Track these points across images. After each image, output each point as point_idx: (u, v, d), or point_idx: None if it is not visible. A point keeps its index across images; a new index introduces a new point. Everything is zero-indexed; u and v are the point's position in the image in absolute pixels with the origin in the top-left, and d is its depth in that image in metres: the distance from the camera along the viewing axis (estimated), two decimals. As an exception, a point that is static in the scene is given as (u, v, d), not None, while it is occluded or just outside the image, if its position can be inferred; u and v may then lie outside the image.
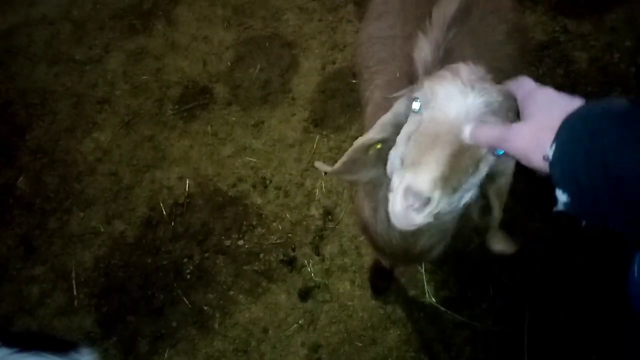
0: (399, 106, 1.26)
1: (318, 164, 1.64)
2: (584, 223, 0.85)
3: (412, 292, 2.42)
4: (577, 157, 0.78)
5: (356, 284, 2.47)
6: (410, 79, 1.47)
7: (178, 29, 3.41)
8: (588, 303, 2.26)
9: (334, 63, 3.10)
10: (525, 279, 2.37)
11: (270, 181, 2.78)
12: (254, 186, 2.78)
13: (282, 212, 2.67)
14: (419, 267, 2.45)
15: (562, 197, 0.82)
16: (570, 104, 0.87)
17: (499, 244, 1.35)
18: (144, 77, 3.25)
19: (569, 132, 0.81)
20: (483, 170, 1.09)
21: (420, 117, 1.10)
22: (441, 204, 0.99)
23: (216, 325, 2.43)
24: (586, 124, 0.79)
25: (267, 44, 3.26)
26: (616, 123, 0.75)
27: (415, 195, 0.97)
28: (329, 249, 2.56)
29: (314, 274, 2.50)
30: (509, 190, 1.21)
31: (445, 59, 1.46)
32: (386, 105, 1.54)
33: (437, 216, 1.02)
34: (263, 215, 2.69)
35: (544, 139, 0.84)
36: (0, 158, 3.09)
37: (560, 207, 0.83)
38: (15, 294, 2.62)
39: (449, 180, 0.99)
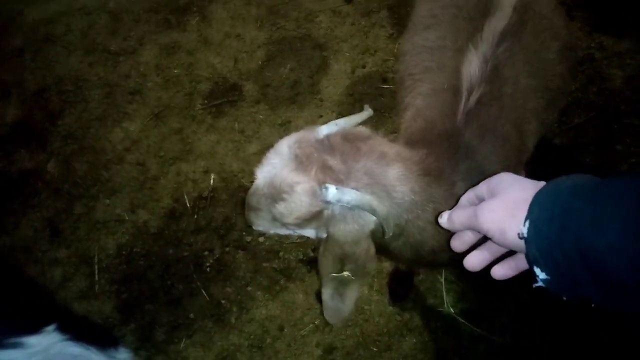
0: None
1: None
2: (564, 298, 0.82)
3: (430, 301, 2.41)
4: (551, 236, 0.76)
5: (374, 288, 2.46)
6: (455, 91, 1.48)
7: (212, 25, 3.46)
8: (610, 325, 2.22)
9: (363, 67, 3.11)
10: (547, 297, 2.33)
11: (294, 181, 2.79)
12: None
13: (304, 212, 2.68)
14: (439, 277, 2.44)
15: (540, 274, 0.80)
16: (537, 183, 0.86)
17: (327, 295, 1.37)
18: (175, 71, 3.30)
19: (541, 210, 0.79)
20: (292, 229, 1.32)
21: None
22: (265, 228, 1.37)
23: (233, 320, 2.45)
24: (556, 200, 0.78)
25: (298, 45, 3.28)
26: (588, 201, 0.74)
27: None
28: (348, 251, 2.55)
29: (332, 276, 2.50)
30: (334, 252, 1.27)
31: (492, 75, 1.48)
32: (426, 113, 1.56)
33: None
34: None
35: (519, 210, 0.82)
36: (32, 142, 3.17)
37: (540, 283, 0.81)
38: (39, 275, 2.67)
39: (259, 220, 1.35)
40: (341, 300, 1.36)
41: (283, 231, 1.37)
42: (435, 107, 1.56)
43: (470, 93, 1.47)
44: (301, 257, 2.56)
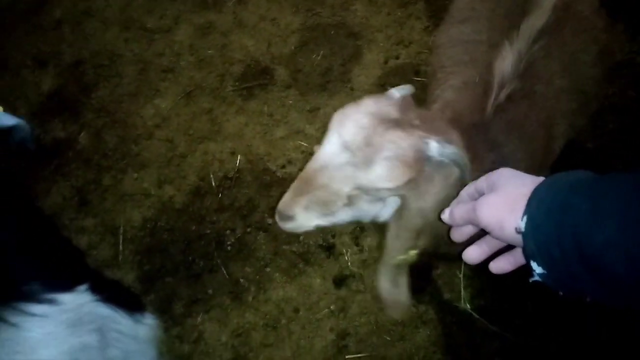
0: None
1: None
2: (561, 294, 0.81)
3: (447, 296, 2.41)
4: (549, 231, 0.76)
5: (392, 279, 2.47)
6: (485, 86, 1.48)
7: (247, 8, 3.48)
8: (624, 327, 2.19)
9: (397, 58, 3.10)
10: (567, 302, 2.31)
11: (319, 167, 2.80)
12: (302, 170, 2.81)
13: (327, 199, 2.70)
14: (457, 272, 2.43)
15: (537, 268, 0.80)
16: (536, 178, 0.86)
17: (385, 286, 1.32)
18: (209, 52, 3.33)
19: (539, 204, 0.79)
20: (365, 206, 1.23)
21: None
22: (305, 221, 1.23)
23: (250, 298, 2.49)
24: (555, 196, 0.78)
25: (332, 32, 3.28)
26: (585, 197, 0.74)
27: (280, 211, 1.23)
28: (368, 241, 2.57)
29: (350, 263, 2.52)
30: (411, 227, 1.23)
31: (526, 72, 1.47)
32: (455, 105, 1.56)
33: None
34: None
35: (518, 205, 0.82)
36: (65, 113, 3.25)
37: (536, 277, 0.81)
38: (66, 241, 2.75)
39: (309, 207, 1.21)
40: (398, 290, 1.33)
41: (340, 216, 1.24)
42: (464, 100, 1.55)
43: (501, 88, 1.47)
44: (321, 242, 2.58)
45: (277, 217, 1.25)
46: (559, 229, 0.75)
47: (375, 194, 1.19)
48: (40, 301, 1.26)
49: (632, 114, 2.69)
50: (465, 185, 1.10)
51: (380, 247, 2.53)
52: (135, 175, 2.94)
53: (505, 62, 1.48)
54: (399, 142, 1.11)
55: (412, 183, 1.15)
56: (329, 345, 2.35)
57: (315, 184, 1.18)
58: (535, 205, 0.80)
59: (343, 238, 2.59)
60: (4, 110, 1.70)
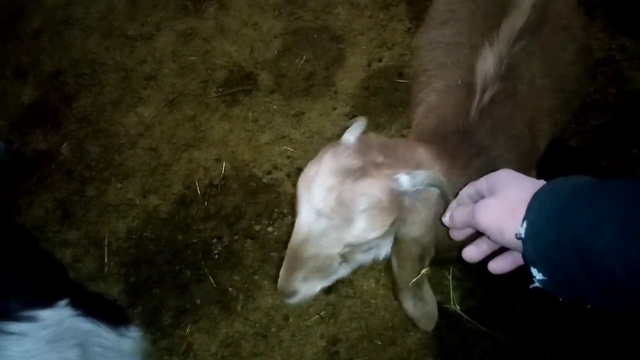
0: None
1: None
2: (561, 299, 0.82)
3: (436, 298, 2.37)
4: (549, 236, 0.76)
5: (381, 282, 2.46)
6: (468, 89, 1.47)
7: (229, 13, 3.46)
8: (617, 327, 2.20)
9: (380, 61, 3.09)
10: (552, 298, 2.31)
11: (305, 172, 2.79)
12: (288, 175, 2.80)
13: (314, 204, 2.68)
14: (446, 273, 2.43)
15: (537, 274, 0.80)
16: (536, 182, 0.86)
17: (410, 305, 1.34)
18: (191, 58, 3.30)
19: (539, 210, 0.79)
20: (360, 256, 1.24)
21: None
22: (309, 290, 1.24)
23: (239, 307, 2.46)
24: (555, 201, 0.78)
25: (315, 36, 3.27)
26: (586, 203, 0.74)
27: (282, 290, 1.25)
28: (357, 245, 2.55)
29: (339, 268, 2.50)
30: (411, 256, 1.24)
31: (507, 73, 1.47)
32: (439, 110, 1.55)
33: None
34: (295, 205, 2.69)
35: (518, 211, 0.82)
36: (46, 123, 3.20)
37: (536, 284, 0.81)
38: (49, 255, 2.70)
39: (308, 278, 1.21)
40: (424, 303, 1.34)
41: (341, 273, 1.26)
42: (448, 104, 1.55)
43: (484, 91, 1.47)
44: (309, 248, 2.56)
45: (280, 296, 1.28)
46: (559, 234, 0.74)
47: (366, 245, 1.20)
48: (18, 319, 1.22)
49: (613, 110, 2.71)
50: (447, 198, 1.12)
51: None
52: (119, 185, 2.90)
53: (487, 63, 1.48)
54: (370, 191, 1.10)
55: (398, 221, 1.16)
56: (320, 351, 2.33)
57: (305, 256, 1.18)
58: (535, 211, 0.79)
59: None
60: None
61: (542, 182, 0.85)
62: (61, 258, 2.68)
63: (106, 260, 2.66)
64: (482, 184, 0.95)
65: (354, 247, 1.18)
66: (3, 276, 1.37)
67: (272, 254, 2.57)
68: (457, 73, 1.57)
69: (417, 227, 1.17)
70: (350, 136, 1.20)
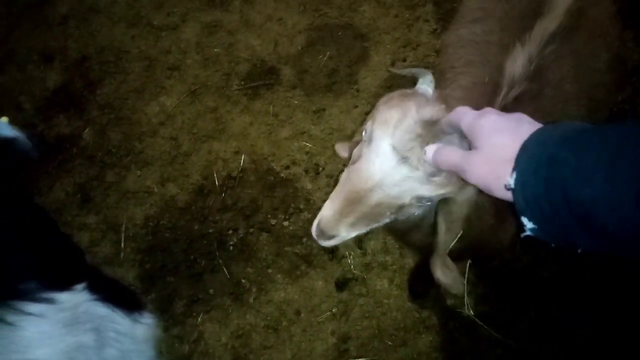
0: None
1: (338, 147, 1.74)
2: (553, 245, 0.82)
3: (450, 301, 2.38)
4: (538, 186, 0.76)
5: (394, 283, 2.45)
6: (495, 86, 1.46)
7: (255, 7, 3.46)
8: (629, 335, 2.16)
9: (404, 60, 3.07)
10: (569, 305, 2.28)
11: (323, 168, 2.79)
12: (306, 171, 2.80)
13: (331, 201, 2.68)
14: (462, 278, 2.40)
15: (528, 223, 0.80)
16: (518, 127, 0.84)
17: (440, 273, 1.32)
18: (215, 50, 3.32)
19: (528, 160, 0.79)
20: (414, 209, 1.17)
21: (364, 150, 1.14)
22: (347, 236, 1.16)
23: (251, 300, 2.47)
24: (543, 151, 0.77)
25: (339, 33, 3.26)
26: (573, 150, 0.73)
27: (324, 231, 1.14)
28: (372, 244, 2.54)
29: (353, 267, 2.50)
30: (461, 217, 1.22)
31: (535, 74, 1.45)
32: (461, 104, 1.53)
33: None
34: (311, 201, 2.70)
35: (501, 170, 0.82)
36: (70, 108, 3.24)
37: (528, 232, 0.81)
38: (68, 238, 2.74)
39: (356, 224, 1.15)
40: (450, 270, 1.33)
41: (384, 222, 1.20)
42: (472, 99, 1.54)
43: (510, 89, 1.45)
44: (324, 244, 2.56)
45: (315, 234, 1.18)
46: (548, 184, 0.75)
47: (430, 200, 1.16)
48: (36, 300, 1.24)
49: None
50: None
51: (387, 250, 2.51)
52: (139, 172, 2.93)
53: (516, 63, 1.47)
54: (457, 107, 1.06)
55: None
56: (330, 348, 2.33)
57: (367, 203, 1.12)
58: (523, 161, 0.79)
59: (347, 241, 2.56)
60: (8, 122, 1.71)
61: (524, 124, 0.84)
62: (79, 241, 2.72)
63: (122, 245, 2.69)
64: (466, 123, 0.94)
65: (419, 200, 1.13)
66: (23, 257, 1.39)
67: (287, 248, 2.58)
68: (484, 71, 1.56)
69: (470, 189, 1.15)
70: (428, 87, 1.18)
